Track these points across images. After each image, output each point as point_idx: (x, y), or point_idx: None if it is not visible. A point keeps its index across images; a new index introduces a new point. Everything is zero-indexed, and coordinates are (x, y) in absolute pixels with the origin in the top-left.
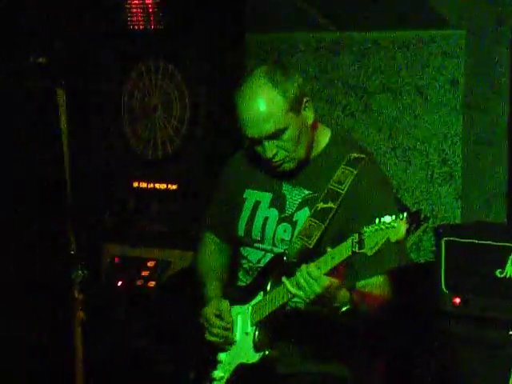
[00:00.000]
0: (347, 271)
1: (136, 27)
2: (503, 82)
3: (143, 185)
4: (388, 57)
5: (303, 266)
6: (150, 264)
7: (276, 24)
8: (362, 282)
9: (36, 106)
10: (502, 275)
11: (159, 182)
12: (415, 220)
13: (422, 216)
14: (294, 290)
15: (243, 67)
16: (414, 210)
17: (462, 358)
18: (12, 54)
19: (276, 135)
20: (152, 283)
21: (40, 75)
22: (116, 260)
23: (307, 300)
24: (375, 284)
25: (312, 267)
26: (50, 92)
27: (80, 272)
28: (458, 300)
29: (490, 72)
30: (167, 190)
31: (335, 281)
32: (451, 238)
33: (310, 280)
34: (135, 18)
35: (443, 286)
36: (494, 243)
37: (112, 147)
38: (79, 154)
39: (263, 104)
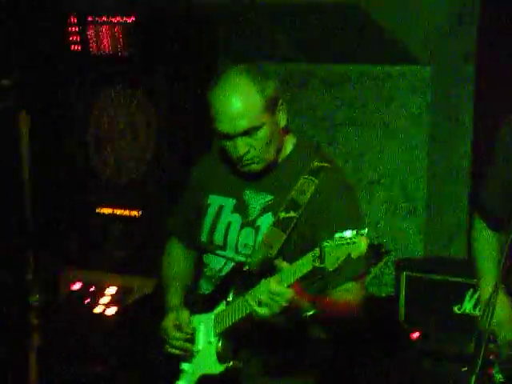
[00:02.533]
0: (315, 282)
1: (105, 52)
2: (467, 119)
3: (107, 210)
4: (355, 90)
5: (264, 284)
6: (111, 290)
7: (248, 54)
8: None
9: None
10: (460, 311)
11: (123, 208)
12: (377, 254)
13: (384, 249)
14: (259, 310)
15: None
16: (376, 243)
17: None
18: None
19: (250, 132)
20: (113, 309)
21: (3, 98)
22: (76, 285)
23: (272, 314)
24: (345, 289)
25: (273, 284)
26: (13, 115)
27: (37, 297)
28: (416, 334)
29: (454, 109)
30: (131, 216)
31: (296, 292)
32: (411, 273)
33: (275, 297)
34: (104, 44)
35: (402, 320)
36: (453, 279)
37: (77, 171)
38: (42, 176)
39: (241, 99)
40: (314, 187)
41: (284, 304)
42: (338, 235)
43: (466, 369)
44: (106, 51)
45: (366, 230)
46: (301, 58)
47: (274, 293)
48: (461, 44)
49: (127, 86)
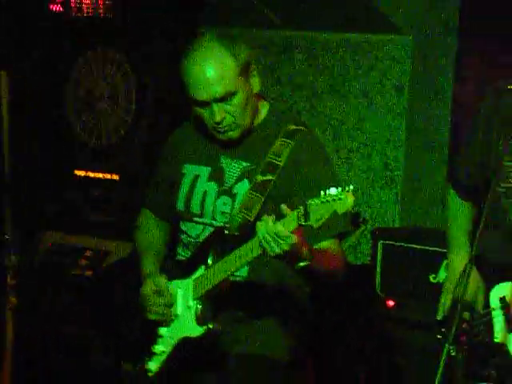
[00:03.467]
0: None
1: (86, 14)
2: (447, 89)
3: (85, 173)
4: (336, 58)
5: (269, 223)
6: (88, 253)
7: (229, 19)
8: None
9: None
10: (435, 280)
11: (101, 172)
12: (354, 222)
13: (361, 219)
14: (265, 245)
15: None
16: (354, 212)
17: (394, 360)
18: None
19: (226, 98)
20: (89, 272)
21: None
22: (53, 247)
23: (272, 254)
24: (327, 246)
25: (280, 226)
26: None
27: (13, 257)
28: (391, 303)
29: (434, 79)
30: (109, 179)
31: (299, 239)
32: (387, 242)
33: (279, 239)
34: (85, 5)
35: (378, 289)
36: (429, 248)
37: (56, 134)
38: (21, 139)
39: (215, 66)
40: (289, 149)
41: (286, 248)
42: (322, 192)
43: (440, 337)
44: (87, 13)
45: (352, 186)
46: (282, 26)
47: (279, 235)
48: (443, 14)
49: (108, 48)
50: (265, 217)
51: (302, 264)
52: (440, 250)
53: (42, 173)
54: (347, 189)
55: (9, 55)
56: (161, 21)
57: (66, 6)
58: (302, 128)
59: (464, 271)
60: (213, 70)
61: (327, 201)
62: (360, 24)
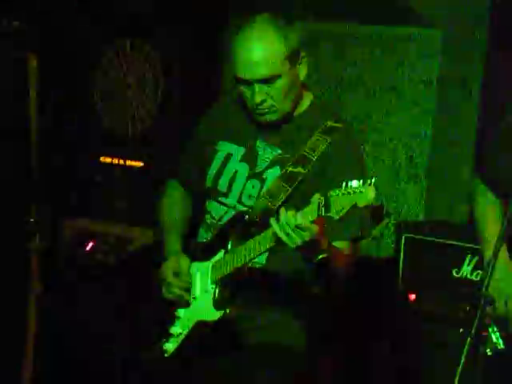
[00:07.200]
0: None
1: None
2: (475, 85)
3: (110, 160)
4: (364, 52)
5: (289, 214)
6: (111, 239)
7: (258, 8)
8: None
9: (7, 71)
10: (458, 275)
11: (126, 159)
12: (377, 215)
13: (384, 211)
14: (284, 237)
15: (222, 49)
16: (377, 205)
17: (414, 353)
18: None
19: (269, 80)
20: (112, 258)
21: (13, 40)
22: (77, 233)
23: (292, 245)
24: (340, 247)
25: (300, 218)
26: (22, 58)
27: (37, 241)
28: (413, 296)
29: (463, 75)
30: (133, 167)
31: (319, 230)
32: (411, 235)
33: (300, 231)
34: None
35: (400, 282)
36: (453, 243)
37: (82, 121)
38: (48, 125)
39: (263, 46)
40: (325, 146)
41: (306, 238)
42: (344, 184)
43: (462, 330)
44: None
45: (374, 179)
46: (309, 17)
47: (299, 227)
48: (472, 9)
49: (136, 38)
50: (283, 209)
51: (320, 256)
52: (463, 244)
53: (68, 159)
54: (369, 182)
55: (38, 39)
56: (189, 9)
57: None
58: (341, 125)
59: (487, 265)
60: (260, 51)
61: (348, 193)
62: (389, 18)
